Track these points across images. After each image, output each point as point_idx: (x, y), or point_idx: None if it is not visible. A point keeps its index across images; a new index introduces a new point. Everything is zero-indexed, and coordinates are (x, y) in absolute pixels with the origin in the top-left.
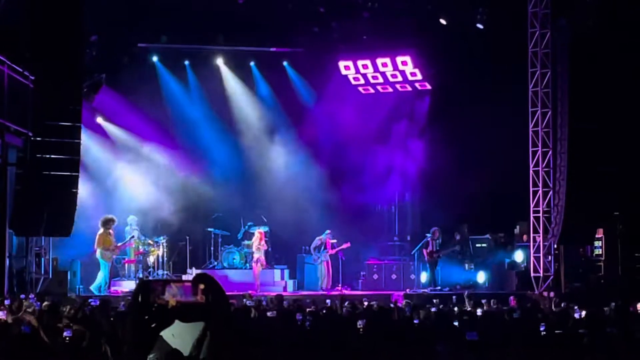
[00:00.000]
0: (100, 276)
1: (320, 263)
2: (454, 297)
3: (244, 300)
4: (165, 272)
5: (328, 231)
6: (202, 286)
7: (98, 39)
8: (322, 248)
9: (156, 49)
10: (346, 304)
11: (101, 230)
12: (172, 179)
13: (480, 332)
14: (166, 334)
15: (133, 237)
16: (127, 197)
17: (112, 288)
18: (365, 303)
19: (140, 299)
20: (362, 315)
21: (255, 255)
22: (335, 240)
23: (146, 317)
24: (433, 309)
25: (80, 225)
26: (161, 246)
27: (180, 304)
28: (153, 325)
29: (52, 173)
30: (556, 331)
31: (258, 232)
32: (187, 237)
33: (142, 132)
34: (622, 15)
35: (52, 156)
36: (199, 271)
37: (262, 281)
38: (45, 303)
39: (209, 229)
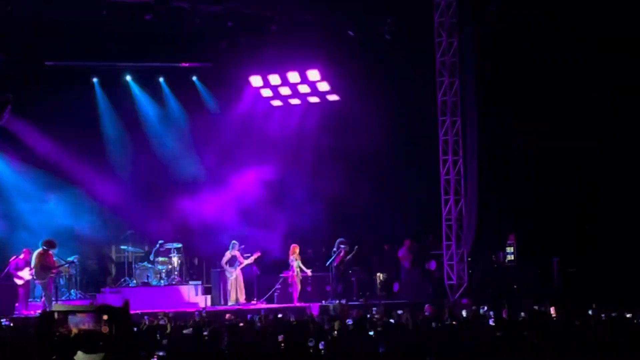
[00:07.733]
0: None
1: (235, 277)
2: (374, 308)
3: (159, 317)
4: (79, 291)
5: (234, 242)
6: (105, 317)
7: (3, 57)
8: (235, 262)
9: (64, 67)
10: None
11: (42, 250)
12: (84, 197)
13: (395, 342)
14: None
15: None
16: (40, 217)
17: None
18: (280, 315)
19: (42, 330)
20: (280, 329)
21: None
22: (248, 255)
23: (49, 348)
24: (349, 321)
25: None
26: (74, 265)
27: (83, 332)
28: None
29: None
30: (473, 337)
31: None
32: (100, 256)
33: (54, 152)
34: (527, 23)
35: None
36: (112, 289)
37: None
38: None
39: (123, 247)
